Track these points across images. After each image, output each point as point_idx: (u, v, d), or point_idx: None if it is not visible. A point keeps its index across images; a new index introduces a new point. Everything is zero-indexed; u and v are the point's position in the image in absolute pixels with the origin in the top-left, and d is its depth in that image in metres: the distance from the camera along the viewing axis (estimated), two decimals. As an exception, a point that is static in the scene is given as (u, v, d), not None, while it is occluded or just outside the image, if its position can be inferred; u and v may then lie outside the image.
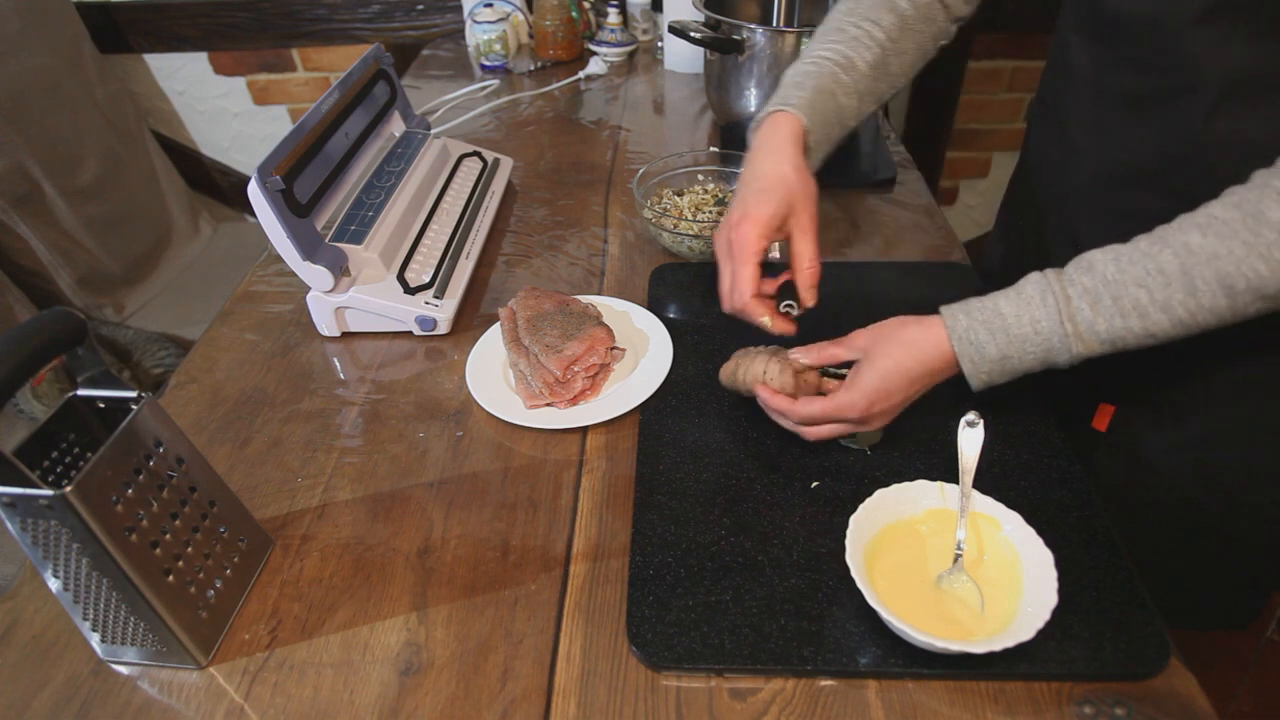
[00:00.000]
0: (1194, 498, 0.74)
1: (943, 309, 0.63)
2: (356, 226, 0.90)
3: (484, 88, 1.50)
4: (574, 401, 0.78)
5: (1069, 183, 0.75)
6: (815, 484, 0.69)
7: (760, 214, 0.66)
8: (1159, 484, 0.74)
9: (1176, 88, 0.62)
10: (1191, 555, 0.76)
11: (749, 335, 0.85)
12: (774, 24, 1.35)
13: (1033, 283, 0.60)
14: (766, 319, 0.68)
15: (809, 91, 0.71)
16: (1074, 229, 0.75)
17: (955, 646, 0.53)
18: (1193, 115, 0.62)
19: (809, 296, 0.68)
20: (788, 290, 0.70)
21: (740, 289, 0.67)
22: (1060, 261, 0.67)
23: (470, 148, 1.15)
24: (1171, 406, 0.72)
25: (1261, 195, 0.52)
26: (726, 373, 0.74)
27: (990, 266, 0.97)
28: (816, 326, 0.72)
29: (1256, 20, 0.57)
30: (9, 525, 0.50)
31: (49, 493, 0.47)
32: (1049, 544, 0.58)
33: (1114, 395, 0.75)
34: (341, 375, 0.85)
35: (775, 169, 0.68)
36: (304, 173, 0.85)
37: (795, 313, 0.69)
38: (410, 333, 0.89)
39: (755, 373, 0.69)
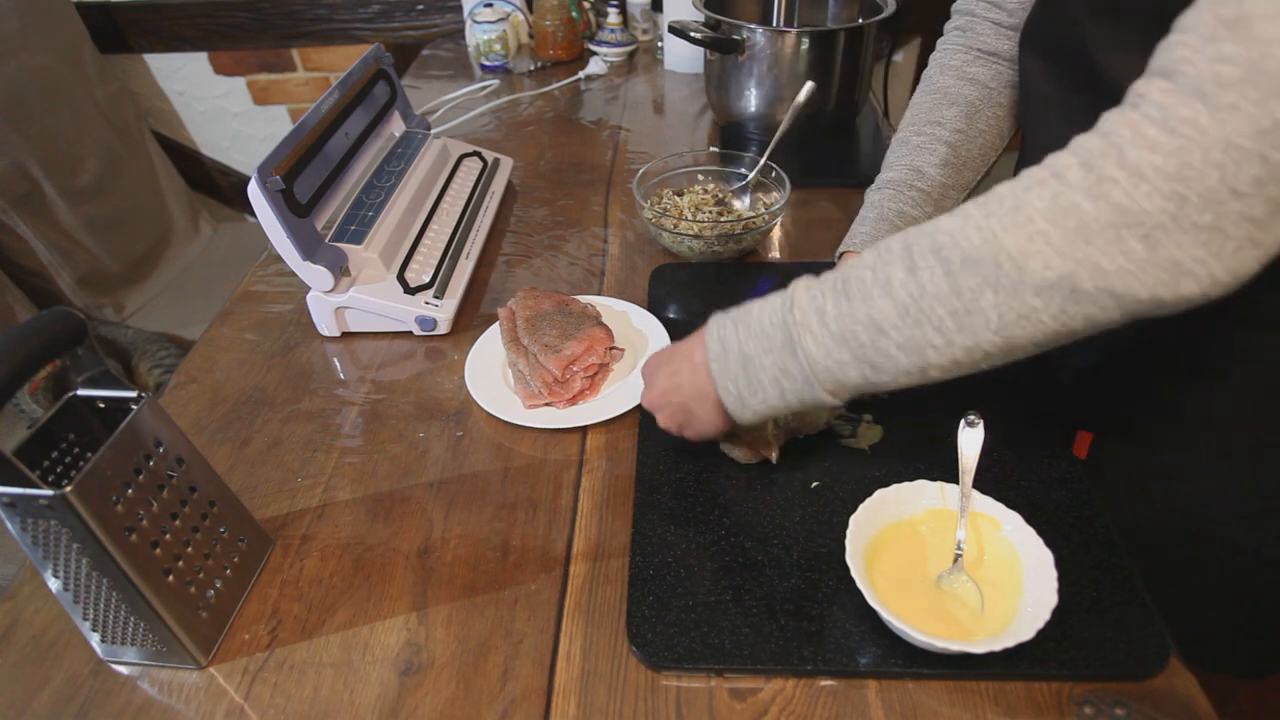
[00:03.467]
0: (1177, 529, 0.73)
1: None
2: (356, 226, 0.90)
3: (484, 88, 1.50)
4: (573, 401, 0.78)
5: None
6: (815, 484, 0.69)
7: None
8: (1143, 513, 0.73)
9: None
10: (1182, 590, 0.73)
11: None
12: (774, 24, 1.35)
13: (794, 281, 0.57)
14: None
15: (869, 225, 0.77)
16: None
17: (955, 646, 0.53)
18: None
19: None
20: None
21: None
22: None
23: (470, 148, 1.15)
24: (1147, 435, 0.71)
25: (1013, 181, 0.48)
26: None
27: None
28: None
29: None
30: (9, 525, 0.50)
31: (49, 493, 0.47)
32: (1049, 544, 0.58)
33: (1091, 422, 0.75)
34: (341, 375, 0.85)
35: None
36: (304, 173, 0.85)
37: None
38: (410, 333, 0.89)
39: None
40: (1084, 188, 0.43)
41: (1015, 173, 0.83)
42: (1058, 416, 0.75)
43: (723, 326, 0.59)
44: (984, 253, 0.46)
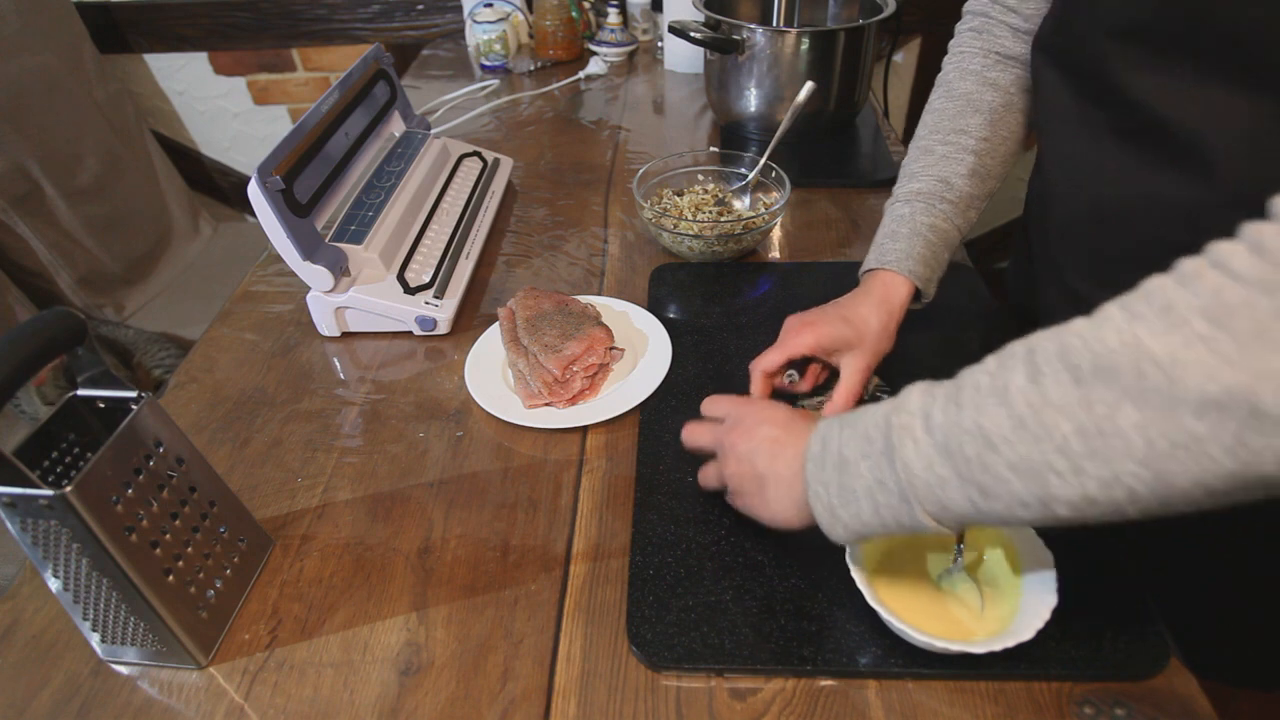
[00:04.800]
0: (1183, 538, 0.71)
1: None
2: (356, 226, 0.90)
3: (484, 88, 1.50)
4: (573, 401, 0.78)
5: (1050, 218, 0.75)
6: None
7: (823, 332, 0.71)
8: (1148, 521, 0.72)
9: (1146, 131, 0.60)
10: (1189, 600, 0.73)
11: (748, 336, 0.85)
12: (774, 24, 1.35)
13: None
14: (755, 391, 0.73)
15: (904, 240, 0.74)
16: (1059, 265, 0.75)
17: (955, 646, 0.53)
18: (1168, 162, 0.59)
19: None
20: (799, 367, 0.76)
21: (761, 360, 0.72)
22: (1058, 302, 0.66)
23: (470, 148, 1.15)
24: None
25: (1164, 275, 0.40)
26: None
27: (1007, 290, 0.96)
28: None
29: (1189, 70, 0.56)
30: (9, 525, 0.50)
31: (49, 493, 0.47)
32: (1049, 544, 0.58)
33: None
34: (341, 375, 0.85)
35: (865, 315, 0.72)
36: (304, 173, 0.85)
37: (793, 381, 0.75)
38: (410, 333, 0.89)
39: None
40: (1257, 278, 0.34)
41: (1033, 170, 0.83)
42: None
43: (830, 425, 0.53)
44: (1122, 358, 0.37)
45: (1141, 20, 0.57)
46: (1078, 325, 0.41)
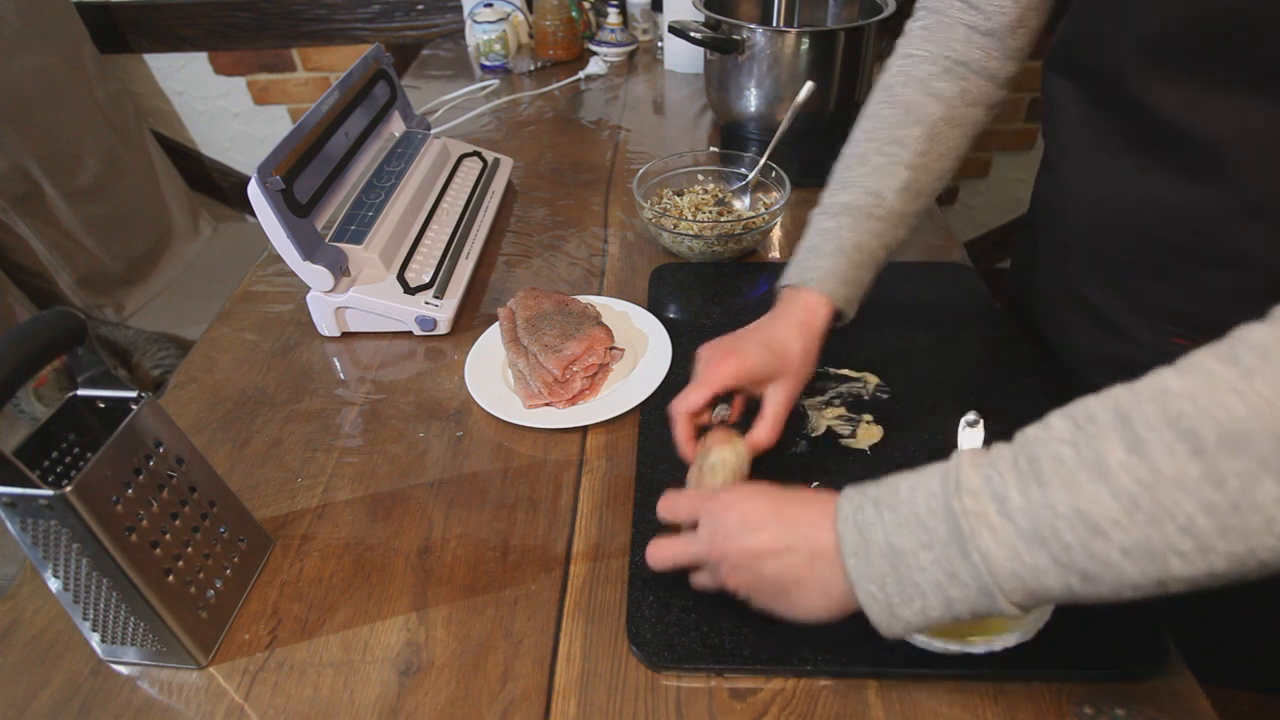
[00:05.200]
0: None
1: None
2: (356, 226, 0.90)
3: (484, 88, 1.50)
4: (573, 401, 0.78)
5: (1057, 221, 0.75)
6: (815, 484, 0.69)
7: (747, 362, 0.66)
8: None
9: (1160, 138, 0.60)
10: (1193, 605, 0.73)
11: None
12: (774, 24, 1.35)
13: (954, 455, 0.44)
14: (679, 435, 0.67)
15: (828, 259, 0.69)
16: (1064, 268, 0.75)
17: (955, 646, 0.53)
18: (1180, 169, 0.59)
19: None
20: (725, 399, 0.70)
21: (682, 400, 0.67)
22: (1061, 305, 0.64)
23: (470, 148, 1.15)
24: None
25: (1264, 324, 0.36)
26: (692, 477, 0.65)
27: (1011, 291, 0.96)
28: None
29: (1211, 80, 0.55)
30: (9, 525, 0.50)
31: (49, 493, 0.47)
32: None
33: None
34: (341, 375, 0.85)
35: (786, 339, 0.67)
36: (304, 173, 0.85)
37: (724, 419, 0.70)
38: (410, 333, 0.89)
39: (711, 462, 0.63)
40: None
41: (1037, 176, 0.82)
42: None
43: (860, 508, 0.46)
44: (1254, 426, 0.34)
45: (1171, 30, 0.56)
46: (1173, 383, 0.37)
